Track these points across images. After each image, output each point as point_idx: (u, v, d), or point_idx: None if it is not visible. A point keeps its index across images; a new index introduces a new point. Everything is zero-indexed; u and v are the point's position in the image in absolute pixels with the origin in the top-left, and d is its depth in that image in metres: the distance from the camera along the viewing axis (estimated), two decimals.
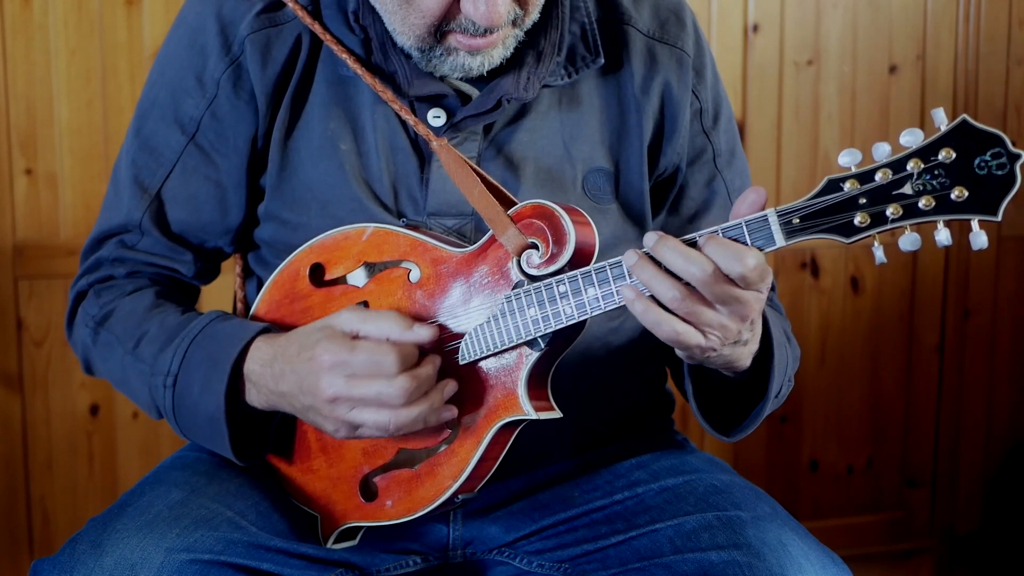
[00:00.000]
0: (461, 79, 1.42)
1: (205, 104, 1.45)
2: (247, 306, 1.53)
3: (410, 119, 1.40)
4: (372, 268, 1.38)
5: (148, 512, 1.31)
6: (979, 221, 1.13)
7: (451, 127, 1.41)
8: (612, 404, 1.53)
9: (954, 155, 1.12)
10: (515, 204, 1.32)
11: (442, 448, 1.34)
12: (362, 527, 1.41)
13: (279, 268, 1.43)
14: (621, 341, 1.49)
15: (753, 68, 2.70)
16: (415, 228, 1.39)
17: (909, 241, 1.15)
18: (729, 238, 1.19)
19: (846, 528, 2.89)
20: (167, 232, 1.49)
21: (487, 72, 1.40)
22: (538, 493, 1.49)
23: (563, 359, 1.33)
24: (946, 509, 2.97)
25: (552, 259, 1.28)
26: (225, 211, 1.48)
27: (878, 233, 1.16)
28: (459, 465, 1.33)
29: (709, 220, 1.52)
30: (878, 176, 1.14)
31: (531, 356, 1.30)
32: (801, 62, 2.73)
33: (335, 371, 1.27)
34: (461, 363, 1.32)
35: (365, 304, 1.36)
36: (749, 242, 1.19)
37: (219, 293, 1.93)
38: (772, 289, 1.49)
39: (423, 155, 1.43)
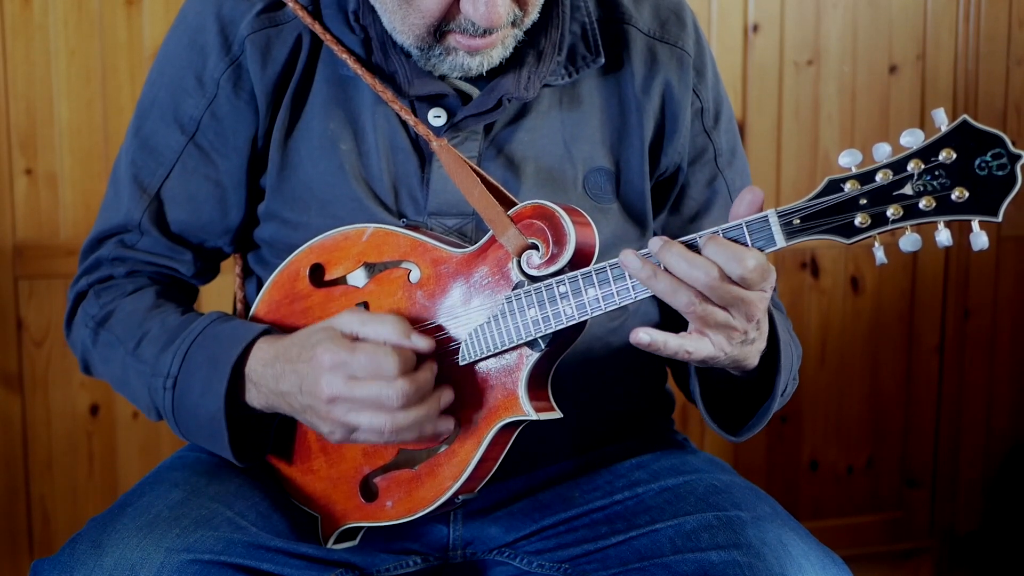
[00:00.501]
0: (461, 79, 1.42)
1: (205, 104, 1.45)
2: (247, 306, 1.53)
3: (410, 119, 1.40)
4: (372, 268, 1.38)
5: (148, 512, 1.31)
6: (979, 222, 1.13)
7: (451, 127, 1.41)
8: (612, 404, 1.53)
9: (955, 156, 1.12)
10: (515, 204, 1.32)
11: (442, 449, 1.34)
12: (362, 527, 1.41)
13: (279, 268, 1.43)
14: (621, 341, 1.49)
15: (753, 68, 2.70)
16: (415, 228, 1.39)
17: (910, 242, 1.15)
18: (729, 239, 1.19)
19: (846, 528, 2.89)
20: (166, 232, 1.49)
21: (487, 72, 1.40)
22: (538, 493, 1.49)
23: (563, 359, 1.33)
24: (946, 509, 2.97)
25: (552, 260, 1.28)
26: (225, 211, 1.48)
27: (879, 234, 1.16)
28: (459, 466, 1.33)
29: (710, 220, 1.52)
30: (879, 177, 1.14)
31: (531, 357, 1.30)
32: (801, 62, 2.73)
33: (335, 371, 1.27)
34: (461, 363, 1.32)
35: (365, 305, 1.36)
36: (750, 243, 1.19)
37: (219, 293, 1.94)
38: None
39: (423, 155, 1.43)
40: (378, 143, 1.42)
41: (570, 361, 1.35)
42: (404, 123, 1.43)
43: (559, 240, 1.27)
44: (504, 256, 1.31)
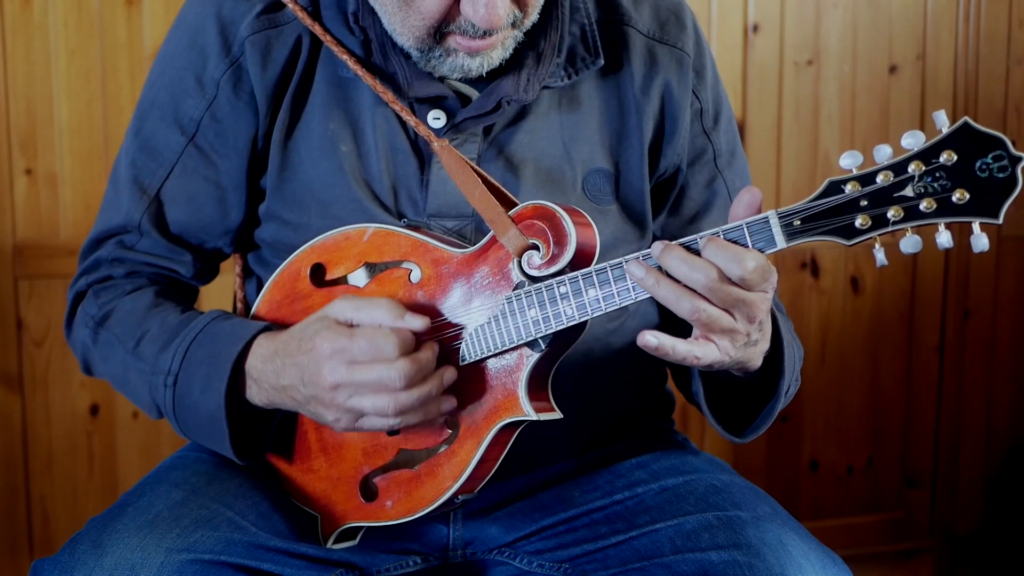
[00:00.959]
0: (460, 80, 1.42)
1: (205, 105, 1.45)
2: (247, 306, 1.53)
3: (410, 120, 1.40)
4: (373, 268, 1.38)
5: (148, 512, 1.31)
6: (980, 224, 1.13)
7: (451, 128, 1.41)
8: (612, 404, 1.53)
9: (955, 157, 1.12)
10: (516, 205, 1.32)
11: (442, 448, 1.34)
12: (362, 527, 1.41)
13: (280, 268, 1.43)
14: (622, 342, 1.49)
15: (753, 68, 2.70)
16: (416, 228, 1.39)
17: (910, 244, 1.15)
18: (730, 240, 1.19)
19: (846, 528, 2.89)
20: (166, 233, 1.49)
21: (487, 73, 1.40)
22: (538, 493, 1.49)
23: (564, 359, 1.33)
24: (946, 509, 2.97)
25: (553, 260, 1.28)
26: (224, 212, 1.48)
27: (879, 235, 1.16)
28: (459, 466, 1.33)
29: (710, 220, 1.52)
30: (879, 178, 1.14)
31: (532, 357, 1.30)
32: (801, 62, 2.73)
33: (336, 358, 1.27)
34: (462, 364, 1.32)
35: None
36: (750, 244, 1.19)
37: (219, 293, 1.93)
38: None
39: (423, 156, 1.43)
40: (378, 144, 1.42)
41: (570, 361, 1.35)
42: (404, 124, 1.43)
43: (560, 241, 1.27)
44: (505, 256, 1.31)
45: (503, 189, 1.36)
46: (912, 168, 1.13)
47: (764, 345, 1.30)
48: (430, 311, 1.33)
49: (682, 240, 1.22)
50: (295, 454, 1.44)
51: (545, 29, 1.43)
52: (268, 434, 1.44)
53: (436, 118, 1.41)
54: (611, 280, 1.24)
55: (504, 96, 1.40)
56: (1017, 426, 2.99)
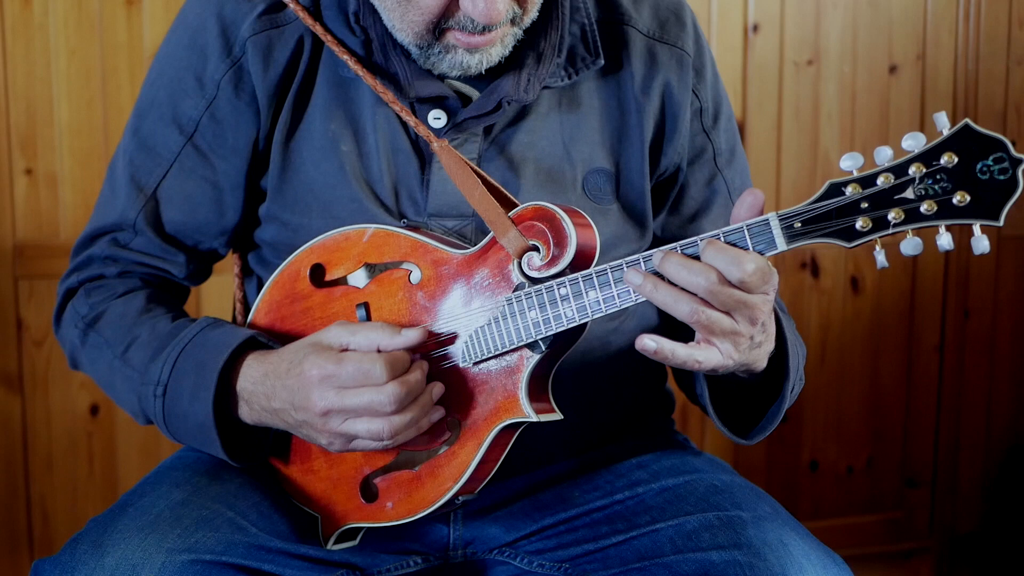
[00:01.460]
0: (460, 78, 1.42)
1: (204, 105, 1.45)
2: (246, 306, 1.53)
3: (411, 120, 1.40)
4: (373, 269, 1.38)
5: (149, 512, 1.31)
6: (981, 226, 1.13)
7: (452, 128, 1.41)
8: (613, 404, 1.53)
9: (956, 159, 1.12)
10: (516, 206, 1.32)
11: (443, 450, 1.34)
12: (362, 528, 1.41)
13: (279, 268, 1.43)
14: (621, 342, 1.49)
15: (753, 68, 2.70)
16: (416, 229, 1.39)
17: (911, 246, 1.15)
18: (730, 242, 1.19)
19: (846, 528, 2.89)
20: (161, 232, 1.48)
21: (487, 72, 1.40)
22: (539, 493, 1.49)
23: (564, 359, 1.33)
24: (946, 509, 2.97)
25: (553, 261, 1.28)
26: (221, 212, 1.48)
27: (880, 237, 1.16)
28: (460, 467, 1.33)
29: (710, 219, 1.52)
30: (880, 180, 1.14)
31: (532, 358, 1.30)
32: (801, 62, 2.73)
33: (324, 384, 1.27)
34: (462, 365, 1.32)
35: (366, 306, 1.36)
36: (751, 246, 1.19)
37: (219, 293, 1.94)
38: None
39: (424, 156, 1.43)
40: (379, 144, 1.42)
41: (570, 362, 1.35)
42: (405, 124, 1.43)
43: (560, 242, 1.27)
44: (505, 258, 1.31)
45: (503, 190, 1.36)
46: (913, 170, 1.13)
47: (769, 346, 1.30)
48: (430, 312, 1.33)
49: (682, 242, 1.22)
50: (295, 455, 1.44)
51: (545, 29, 1.43)
52: (264, 436, 1.43)
53: (437, 118, 1.41)
54: (611, 282, 1.24)
55: (504, 96, 1.40)
56: (1017, 426, 2.99)
